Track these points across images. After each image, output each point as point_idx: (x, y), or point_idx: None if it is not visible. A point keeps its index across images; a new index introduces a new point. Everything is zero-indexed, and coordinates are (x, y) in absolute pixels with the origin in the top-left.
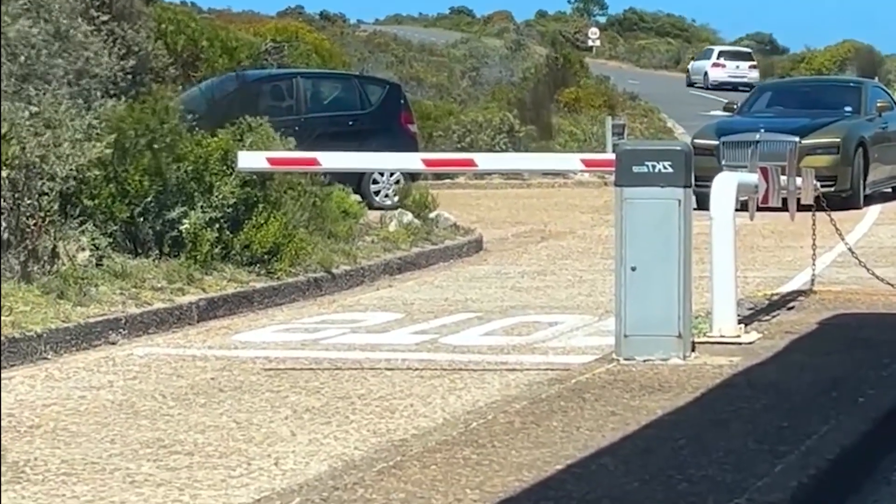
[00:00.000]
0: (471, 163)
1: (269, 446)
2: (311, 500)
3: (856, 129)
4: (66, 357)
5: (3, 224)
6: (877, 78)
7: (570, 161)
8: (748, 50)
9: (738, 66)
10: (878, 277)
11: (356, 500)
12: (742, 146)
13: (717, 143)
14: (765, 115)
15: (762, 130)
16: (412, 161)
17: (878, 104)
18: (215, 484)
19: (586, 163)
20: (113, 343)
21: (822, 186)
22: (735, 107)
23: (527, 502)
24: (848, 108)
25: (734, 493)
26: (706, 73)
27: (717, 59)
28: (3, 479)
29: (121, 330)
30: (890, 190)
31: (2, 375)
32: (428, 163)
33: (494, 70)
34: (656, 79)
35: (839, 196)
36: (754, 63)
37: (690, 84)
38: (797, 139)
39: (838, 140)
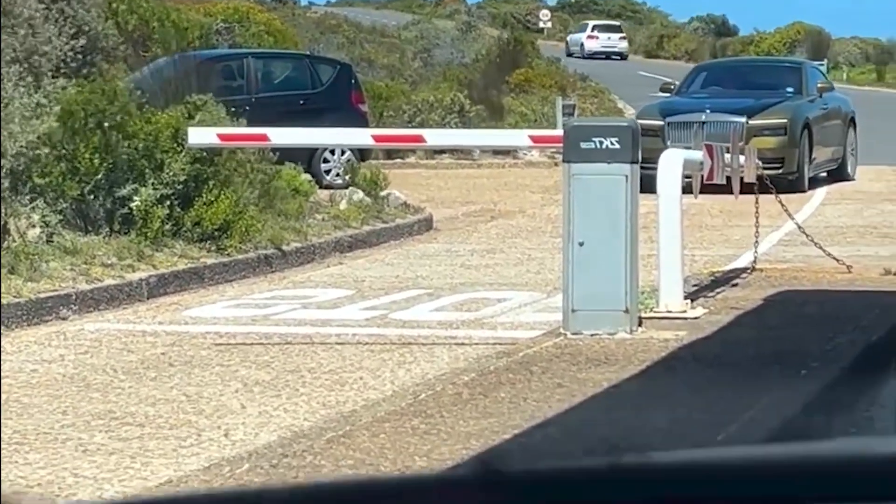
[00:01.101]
0: (420, 139)
1: (219, 418)
2: (261, 467)
3: (801, 110)
4: (17, 331)
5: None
6: (826, 60)
7: (519, 137)
8: (618, 24)
9: (609, 38)
10: (828, 254)
11: (305, 466)
12: (687, 126)
13: (661, 123)
14: (706, 96)
15: (708, 111)
16: (362, 137)
17: (819, 85)
18: (166, 453)
19: (534, 139)
20: (64, 318)
21: (769, 169)
22: (672, 87)
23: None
24: (789, 89)
25: None
26: (582, 44)
27: (592, 31)
28: None
29: (71, 305)
30: (825, 174)
31: None
32: (378, 138)
33: (445, 51)
34: (604, 60)
35: (786, 178)
36: (624, 35)
37: (569, 54)
38: (744, 119)
39: (785, 121)
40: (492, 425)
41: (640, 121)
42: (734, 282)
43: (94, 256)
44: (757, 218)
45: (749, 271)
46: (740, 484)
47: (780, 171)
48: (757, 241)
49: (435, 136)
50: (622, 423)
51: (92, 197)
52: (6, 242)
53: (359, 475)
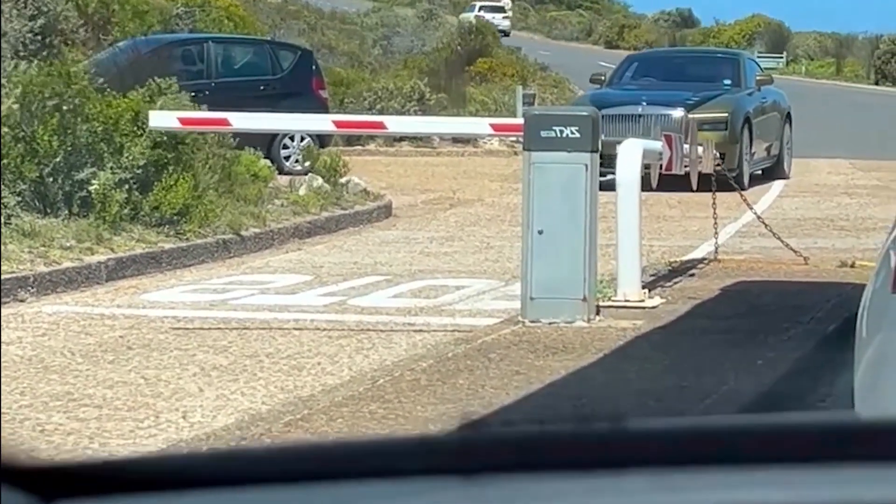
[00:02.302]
0: (381, 125)
1: (177, 401)
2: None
3: (741, 103)
4: None
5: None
6: (785, 53)
7: (480, 125)
8: (502, 4)
9: (493, 17)
10: (786, 245)
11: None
12: (623, 120)
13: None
14: (640, 88)
15: (644, 103)
16: (323, 122)
17: (757, 77)
18: (124, 434)
19: (495, 127)
20: (21, 301)
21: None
22: (602, 78)
23: None
24: (727, 81)
25: None
26: (469, 19)
27: (478, 11)
28: None
29: (29, 288)
30: (760, 172)
31: None
32: (339, 124)
33: (406, 39)
34: (567, 50)
35: (725, 176)
36: (507, 14)
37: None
38: (682, 113)
39: (726, 115)
40: (449, 411)
41: None
42: (692, 272)
43: (52, 239)
44: (714, 209)
45: (709, 262)
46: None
47: (720, 168)
48: (716, 232)
49: (396, 123)
50: (579, 410)
51: (51, 179)
52: None
53: (339, 437)
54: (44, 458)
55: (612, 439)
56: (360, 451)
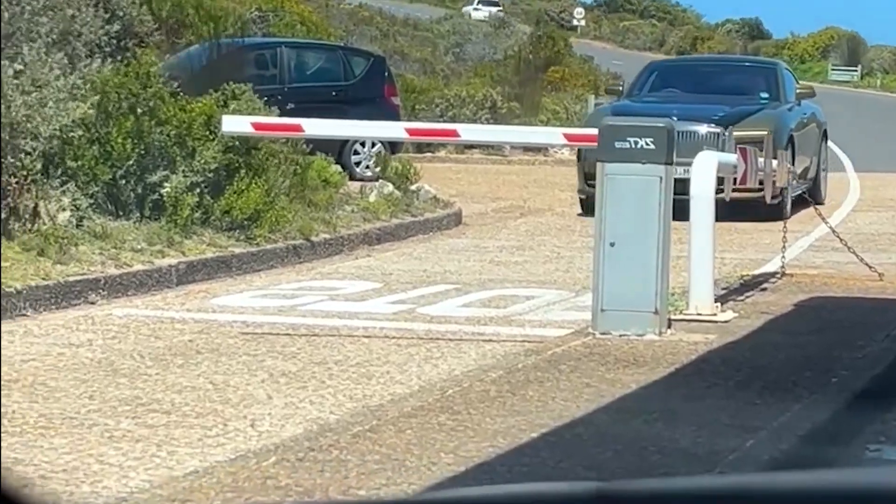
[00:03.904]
0: (454, 133)
1: (246, 408)
2: (288, 460)
3: (784, 120)
4: (45, 314)
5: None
6: (860, 66)
7: (553, 135)
8: (496, 0)
9: (490, 11)
10: (861, 260)
11: (331, 460)
12: None
13: None
14: (664, 100)
15: (675, 118)
16: (395, 130)
17: (798, 90)
18: (192, 442)
19: (569, 137)
20: (92, 303)
21: (744, 191)
22: (621, 88)
23: (501, 468)
24: (764, 95)
25: (706, 466)
26: (470, 14)
27: (477, 5)
28: None
29: (100, 290)
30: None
31: None
32: (411, 132)
33: (478, 47)
34: (640, 60)
35: (762, 202)
36: (500, 8)
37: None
38: (719, 130)
39: (767, 133)
40: (519, 423)
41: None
42: (764, 286)
43: (123, 241)
44: (785, 223)
45: (783, 276)
46: None
47: (762, 193)
48: (784, 247)
49: (469, 132)
50: (650, 425)
51: (123, 182)
52: (37, 225)
53: (477, 489)
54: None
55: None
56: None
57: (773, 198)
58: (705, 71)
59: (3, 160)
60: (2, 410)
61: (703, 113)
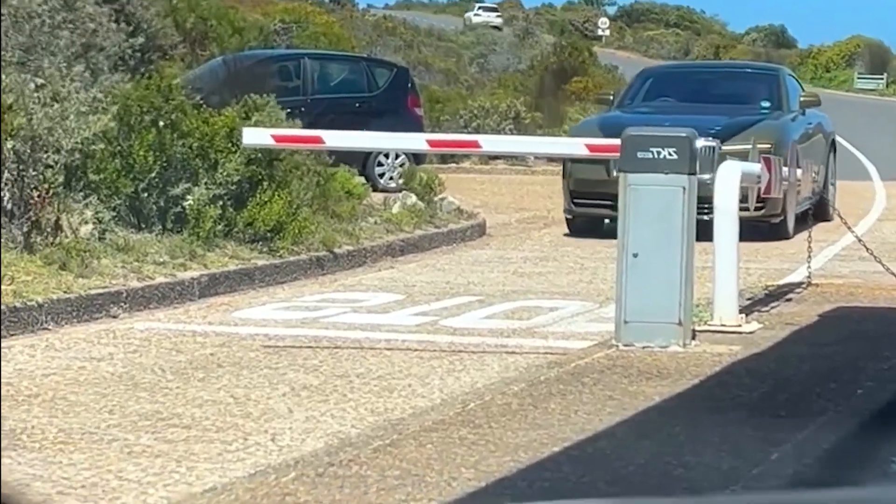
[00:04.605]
0: (475, 144)
1: (266, 422)
2: (307, 476)
3: (787, 131)
4: (66, 328)
5: (6, 195)
6: (885, 74)
7: (576, 146)
8: (495, 6)
9: (488, 15)
10: (888, 269)
11: (351, 476)
12: None
13: None
14: (659, 111)
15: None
16: (416, 142)
17: (802, 98)
18: (212, 457)
19: (591, 148)
20: (114, 316)
21: (744, 210)
22: (612, 98)
23: (522, 482)
24: (765, 103)
25: (730, 480)
26: (471, 18)
27: (477, 11)
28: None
29: (122, 303)
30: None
31: (2, 344)
32: (432, 143)
33: (502, 57)
34: None
35: (767, 222)
36: (499, 14)
37: (466, 25)
38: (714, 143)
39: (769, 146)
40: (541, 437)
41: None
42: (789, 296)
43: (146, 254)
44: (810, 233)
45: (808, 286)
46: None
47: (762, 212)
48: (810, 256)
49: (491, 143)
50: (674, 438)
51: (145, 195)
52: (59, 238)
53: None
54: None
55: None
56: None
57: (773, 215)
58: (703, 78)
59: (25, 172)
60: (20, 426)
61: (699, 124)
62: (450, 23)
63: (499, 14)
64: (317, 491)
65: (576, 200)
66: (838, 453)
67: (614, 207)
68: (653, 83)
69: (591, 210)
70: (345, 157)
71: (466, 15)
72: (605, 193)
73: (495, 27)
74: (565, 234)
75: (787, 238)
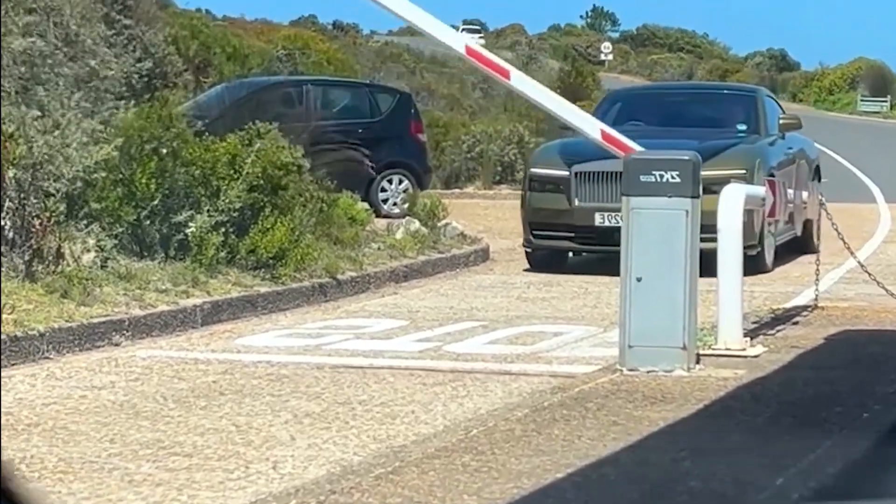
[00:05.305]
0: (506, 74)
1: (268, 450)
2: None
3: (764, 156)
4: (68, 357)
5: (8, 223)
6: (889, 97)
7: (590, 126)
8: (478, 27)
9: (472, 37)
10: (891, 293)
11: (352, 503)
12: (602, 179)
13: (565, 174)
14: (628, 136)
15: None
16: (457, 42)
17: (781, 121)
18: (213, 486)
19: (604, 135)
20: (116, 344)
21: (709, 240)
22: None
23: None
24: (741, 126)
25: None
26: None
27: (460, 32)
28: None
29: (124, 331)
30: (787, 240)
31: (2, 374)
32: (468, 51)
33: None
34: None
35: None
36: (481, 35)
37: None
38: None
39: (744, 172)
40: (544, 463)
41: (535, 169)
42: (794, 319)
43: (148, 282)
44: (818, 256)
45: (813, 309)
46: None
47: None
48: (818, 279)
49: (519, 80)
50: (679, 464)
51: (148, 222)
52: (60, 266)
53: None
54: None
55: None
56: None
57: (749, 246)
58: (675, 101)
59: (26, 200)
60: (19, 455)
61: (668, 150)
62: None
63: (481, 35)
64: None
65: (535, 232)
66: (844, 477)
67: (576, 239)
68: (622, 106)
69: (552, 242)
70: (348, 184)
71: None
72: (567, 224)
73: None
74: (525, 270)
75: (766, 272)
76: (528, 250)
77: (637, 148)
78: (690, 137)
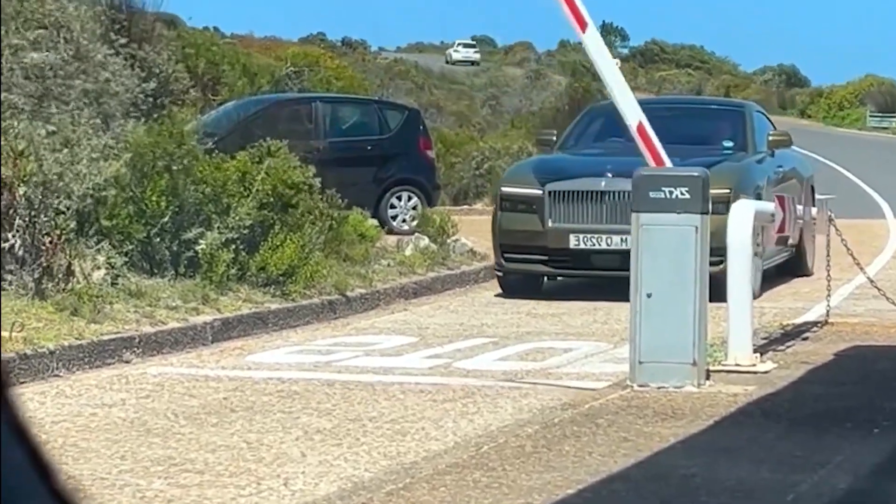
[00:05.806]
0: (584, 26)
1: (279, 467)
2: None
3: (750, 174)
4: (78, 374)
5: (18, 241)
6: None
7: (632, 113)
8: (474, 42)
9: (467, 51)
10: None
11: None
12: (579, 198)
13: (538, 192)
14: (604, 152)
15: (609, 175)
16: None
17: (770, 137)
18: (225, 502)
19: (639, 128)
20: (126, 362)
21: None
22: (553, 139)
23: None
24: (728, 143)
25: None
26: (451, 56)
27: (456, 47)
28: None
29: (135, 349)
30: (778, 263)
31: (8, 392)
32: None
33: (514, 99)
34: None
35: (725, 276)
36: (476, 50)
37: (447, 62)
38: None
39: (727, 191)
40: (555, 479)
41: (506, 188)
42: (804, 335)
43: (158, 299)
44: (828, 271)
45: (823, 325)
46: None
47: (721, 266)
48: (829, 295)
49: (593, 37)
50: (689, 480)
51: (158, 240)
52: (70, 284)
53: None
54: None
55: None
56: None
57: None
58: (659, 116)
59: (37, 218)
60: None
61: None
62: (461, 65)
63: (476, 50)
64: None
65: (506, 255)
66: (855, 493)
67: (550, 262)
68: (603, 122)
69: (524, 266)
70: (358, 200)
71: (448, 52)
72: (540, 247)
73: (473, 63)
74: (497, 296)
75: (755, 297)
76: (500, 274)
77: (667, 161)
78: (672, 155)
